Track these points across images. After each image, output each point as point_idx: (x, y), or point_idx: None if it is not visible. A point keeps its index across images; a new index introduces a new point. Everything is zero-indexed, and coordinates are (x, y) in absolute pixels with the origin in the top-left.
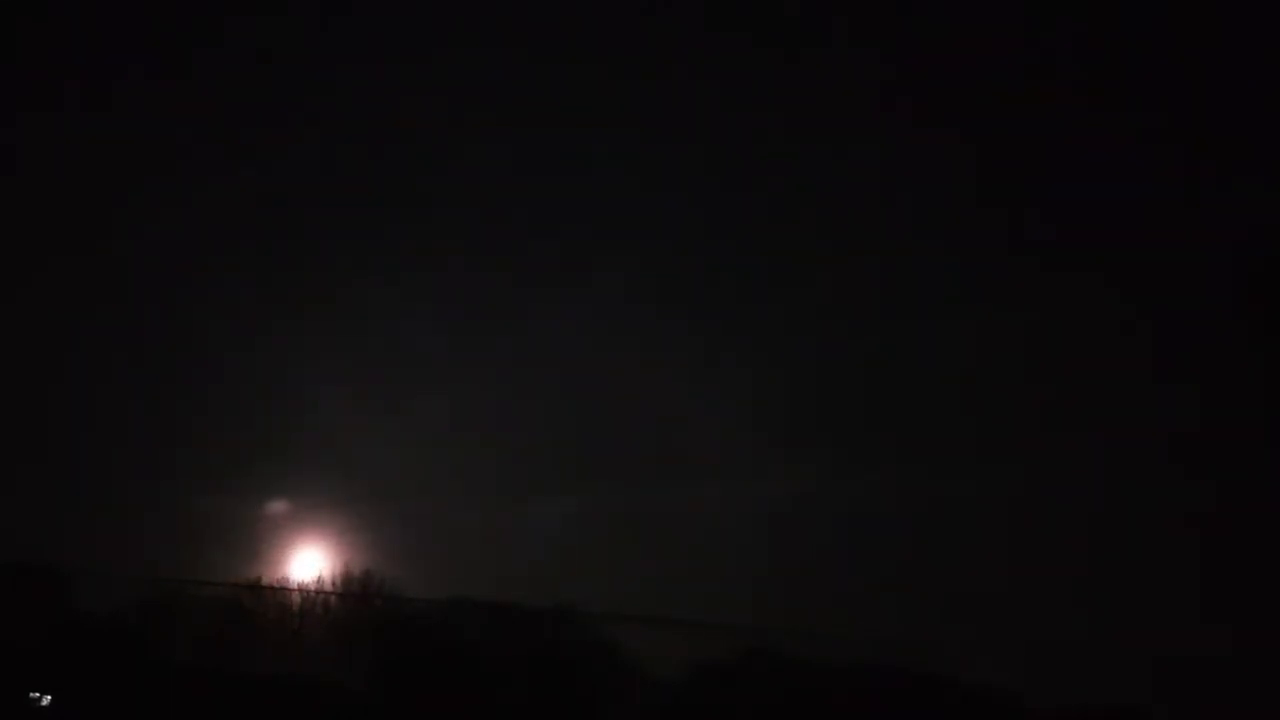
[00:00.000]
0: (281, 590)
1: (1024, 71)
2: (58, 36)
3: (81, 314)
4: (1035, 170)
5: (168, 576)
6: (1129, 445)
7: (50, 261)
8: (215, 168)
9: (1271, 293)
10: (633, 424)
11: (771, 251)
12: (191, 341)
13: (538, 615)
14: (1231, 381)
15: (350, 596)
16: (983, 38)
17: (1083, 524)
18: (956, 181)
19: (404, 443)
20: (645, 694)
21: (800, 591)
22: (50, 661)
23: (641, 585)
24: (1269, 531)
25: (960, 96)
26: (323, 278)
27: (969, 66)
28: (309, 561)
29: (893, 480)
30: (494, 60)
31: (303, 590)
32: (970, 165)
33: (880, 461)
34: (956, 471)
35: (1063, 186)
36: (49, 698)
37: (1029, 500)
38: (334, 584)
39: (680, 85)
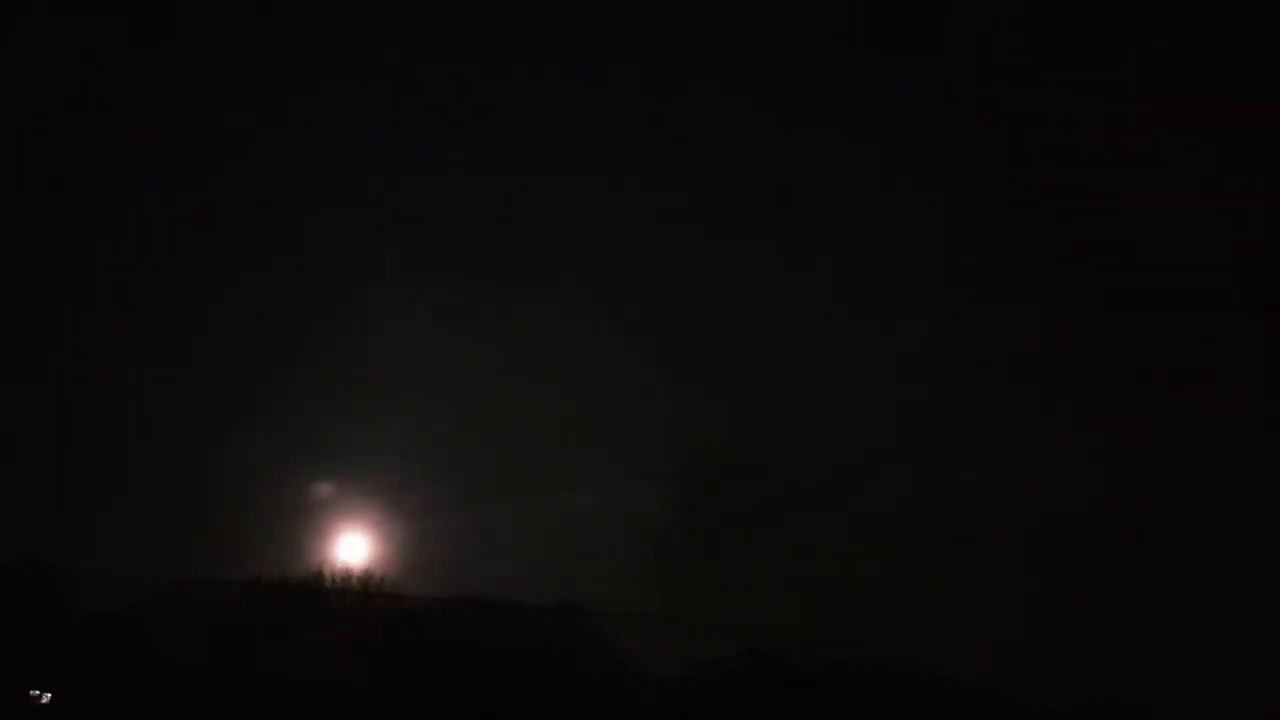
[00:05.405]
0: (281, 588)
1: (1026, 68)
2: (53, 38)
3: (84, 313)
4: (1037, 166)
5: (167, 575)
6: (1130, 445)
7: (49, 260)
8: (217, 170)
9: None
10: (637, 421)
11: (774, 249)
12: (193, 339)
13: (539, 613)
14: (1235, 381)
15: (350, 595)
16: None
17: (1083, 523)
18: (957, 177)
19: (404, 440)
20: (647, 692)
21: (802, 590)
22: (51, 659)
23: (644, 583)
24: (1271, 532)
25: (960, 89)
26: (319, 274)
27: (969, 58)
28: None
29: (893, 479)
30: (492, 57)
31: (303, 588)
32: (970, 161)
33: (881, 461)
34: (956, 470)
35: (1065, 182)
36: (49, 695)
37: (1029, 500)
38: (334, 582)
39: (682, 80)
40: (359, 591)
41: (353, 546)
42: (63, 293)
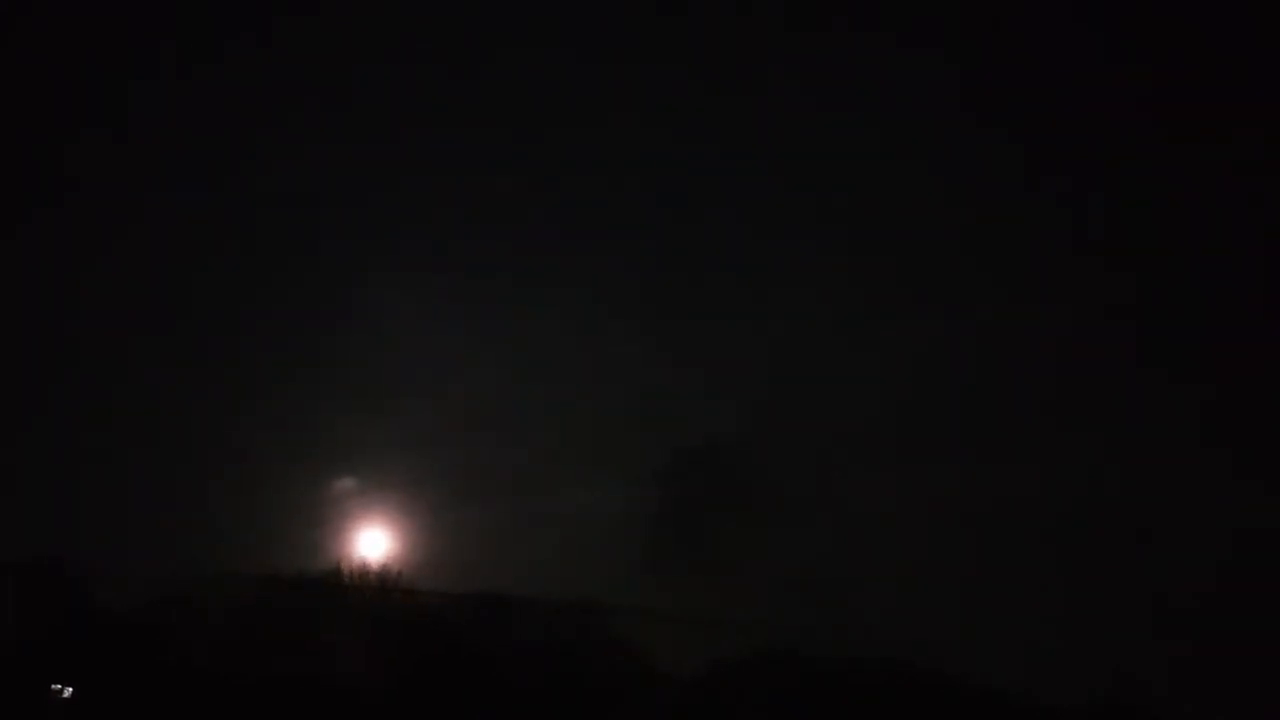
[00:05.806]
0: (300, 584)
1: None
2: (52, 38)
3: (89, 313)
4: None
5: (186, 572)
6: (1130, 445)
7: (56, 260)
8: (219, 170)
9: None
10: (640, 420)
11: (776, 249)
12: (210, 339)
13: (555, 609)
14: (1238, 382)
15: (368, 590)
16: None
17: (1085, 523)
18: (964, 179)
19: (419, 438)
20: (663, 690)
21: (802, 590)
22: (71, 656)
23: (660, 581)
24: (1272, 533)
25: (972, 87)
26: (326, 275)
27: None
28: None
29: (894, 479)
30: (492, 57)
31: (321, 584)
32: (975, 163)
33: (883, 460)
34: (959, 470)
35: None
36: (70, 690)
37: (1032, 499)
38: (352, 578)
39: (685, 78)
40: (377, 587)
41: (371, 542)
42: (79, 294)
